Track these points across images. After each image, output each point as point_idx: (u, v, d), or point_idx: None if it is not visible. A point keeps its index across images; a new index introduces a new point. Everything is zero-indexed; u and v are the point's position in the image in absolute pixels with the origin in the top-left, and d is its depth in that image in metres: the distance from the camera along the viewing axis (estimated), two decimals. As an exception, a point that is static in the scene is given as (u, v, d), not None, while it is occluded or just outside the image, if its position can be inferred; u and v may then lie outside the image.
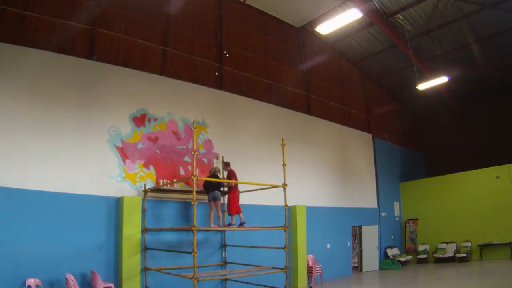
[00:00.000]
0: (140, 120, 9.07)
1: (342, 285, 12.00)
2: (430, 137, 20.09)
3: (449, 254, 15.05)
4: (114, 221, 8.14)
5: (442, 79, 13.71)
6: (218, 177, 8.77)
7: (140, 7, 9.75)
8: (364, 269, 14.59)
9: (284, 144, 8.07)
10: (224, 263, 9.79)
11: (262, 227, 8.92)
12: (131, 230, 8.04)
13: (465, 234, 14.95)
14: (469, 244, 14.79)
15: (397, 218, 17.21)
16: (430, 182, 17.14)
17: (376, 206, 15.95)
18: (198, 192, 7.98)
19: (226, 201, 9.52)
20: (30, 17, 7.89)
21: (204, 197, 9.80)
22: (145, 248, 8.31)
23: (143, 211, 8.43)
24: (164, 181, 8.77)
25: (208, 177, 8.72)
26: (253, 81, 12.17)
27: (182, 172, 9.53)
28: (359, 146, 15.77)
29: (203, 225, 8.74)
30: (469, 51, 14.42)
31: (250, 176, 9.76)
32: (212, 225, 8.48)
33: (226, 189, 9.30)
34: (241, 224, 8.71)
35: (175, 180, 8.86)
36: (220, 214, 8.78)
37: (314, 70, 14.36)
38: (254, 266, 8.55)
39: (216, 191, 8.56)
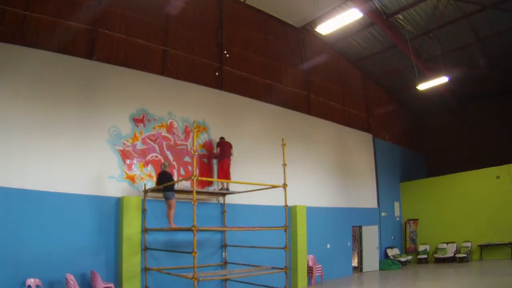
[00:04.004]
0: (140, 120, 9.07)
1: (342, 285, 11.99)
2: (431, 137, 20.09)
3: (449, 254, 15.05)
4: (114, 221, 8.14)
5: (442, 79, 13.71)
6: (168, 174, 8.25)
7: (140, 7, 9.76)
8: (364, 269, 14.58)
9: (284, 144, 8.06)
10: (224, 263, 9.79)
11: (262, 227, 8.92)
12: (131, 230, 8.05)
13: (465, 234, 14.94)
14: (469, 244, 14.78)
15: (397, 218, 17.20)
16: (431, 182, 17.12)
17: (376, 206, 15.95)
18: (198, 192, 7.98)
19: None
20: (30, 17, 7.89)
21: (205, 197, 9.83)
22: (145, 248, 8.31)
23: (143, 211, 8.43)
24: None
25: (159, 173, 8.32)
26: (253, 81, 12.17)
27: (182, 172, 9.53)
28: (359, 146, 15.76)
29: (203, 225, 8.72)
30: (469, 51, 14.42)
31: (250, 176, 9.77)
32: (172, 225, 8.03)
33: (180, 184, 8.97)
34: (225, 189, 9.71)
35: (175, 180, 8.85)
36: (170, 213, 8.01)
37: (314, 70, 14.36)
38: (254, 266, 8.54)
39: (166, 192, 7.97)
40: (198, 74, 10.68)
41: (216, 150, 10.16)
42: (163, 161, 8.82)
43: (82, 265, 7.46)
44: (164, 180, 7.99)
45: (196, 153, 6.83)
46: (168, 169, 8.37)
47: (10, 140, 7.12)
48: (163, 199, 8.27)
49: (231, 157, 9.95)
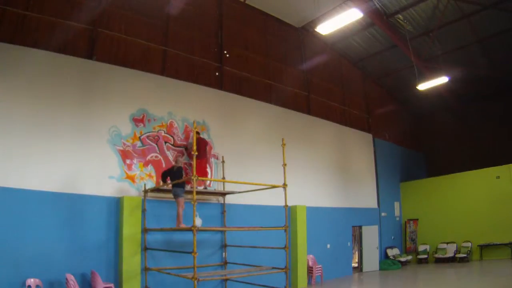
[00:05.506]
0: (140, 120, 9.07)
1: (342, 285, 11.99)
2: (431, 137, 20.07)
3: (449, 254, 15.04)
4: (114, 221, 8.14)
5: (443, 79, 13.71)
6: (179, 170, 8.12)
7: (140, 7, 9.75)
8: (364, 269, 14.58)
9: (284, 144, 8.06)
10: (224, 263, 9.79)
11: (262, 227, 8.91)
12: (131, 230, 8.04)
13: (465, 234, 14.93)
14: (469, 244, 14.77)
15: (397, 218, 17.20)
16: (431, 182, 17.12)
17: (376, 206, 15.95)
18: (198, 192, 7.97)
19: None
20: (30, 17, 7.89)
21: (206, 197, 9.83)
22: (145, 248, 8.31)
23: (143, 211, 8.43)
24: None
25: (170, 169, 8.18)
26: (253, 81, 12.17)
27: (182, 172, 9.52)
28: (359, 146, 15.76)
29: (203, 225, 8.72)
30: (469, 51, 14.41)
31: (250, 176, 9.76)
32: (181, 224, 7.89)
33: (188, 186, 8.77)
34: (204, 188, 9.48)
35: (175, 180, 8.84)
36: (180, 211, 7.88)
37: (314, 70, 14.36)
38: (254, 266, 8.54)
39: (175, 188, 7.85)
40: (198, 74, 10.67)
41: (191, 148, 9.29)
42: (175, 155, 8.74)
43: (82, 265, 7.46)
44: (176, 177, 7.83)
45: (196, 153, 6.82)
46: (181, 165, 8.25)
47: (10, 140, 7.11)
48: (163, 199, 8.27)
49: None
